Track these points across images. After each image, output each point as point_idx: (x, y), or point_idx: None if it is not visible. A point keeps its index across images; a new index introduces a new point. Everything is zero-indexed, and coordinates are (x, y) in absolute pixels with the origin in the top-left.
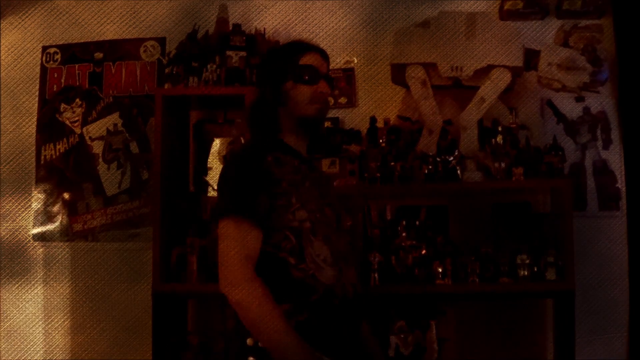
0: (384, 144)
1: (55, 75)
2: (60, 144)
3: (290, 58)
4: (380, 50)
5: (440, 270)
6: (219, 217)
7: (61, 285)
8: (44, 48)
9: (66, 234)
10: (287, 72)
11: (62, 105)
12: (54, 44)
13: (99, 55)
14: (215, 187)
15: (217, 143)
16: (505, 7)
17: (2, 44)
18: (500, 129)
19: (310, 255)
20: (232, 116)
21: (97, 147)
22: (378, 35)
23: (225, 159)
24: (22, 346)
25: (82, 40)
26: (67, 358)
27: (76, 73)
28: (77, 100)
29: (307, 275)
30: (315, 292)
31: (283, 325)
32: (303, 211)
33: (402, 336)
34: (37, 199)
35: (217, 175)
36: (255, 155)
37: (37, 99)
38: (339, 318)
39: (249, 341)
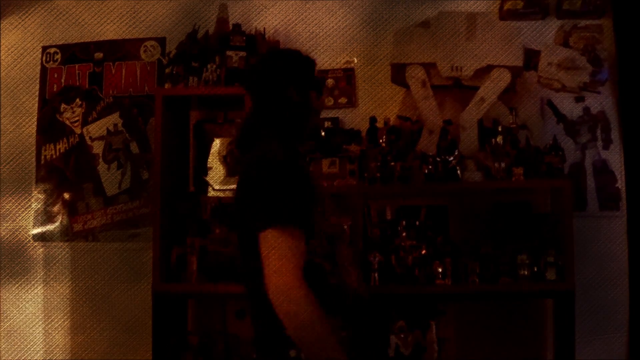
0: (384, 144)
1: (55, 75)
2: (61, 144)
3: (314, 70)
4: (380, 50)
5: (440, 270)
6: (266, 227)
7: (61, 285)
8: (44, 48)
9: (66, 234)
10: (315, 84)
11: (62, 105)
12: (54, 44)
13: (99, 55)
14: (246, 193)
15: (217, 143)
16: (505, 7)
17: (2, 44)
18: (500, 129)
19: (340, 260)
20: (232, 116)
21: (97, 147)
22: (378, 35)
23: (261, 164)
24: (22, 346)
25: (82, 40)
26: (67, 358)
27: (76, 73)
28: (77, 100)
29: (340, 280)
30: (347, 298)
31: (332, 339)
32: (334, 217)
33: (402, 336)
34: (37, 199)
35: (218, 175)
36: (297, 162)
37: (37, 99)
38: (370, 323)
39: (292, 353)
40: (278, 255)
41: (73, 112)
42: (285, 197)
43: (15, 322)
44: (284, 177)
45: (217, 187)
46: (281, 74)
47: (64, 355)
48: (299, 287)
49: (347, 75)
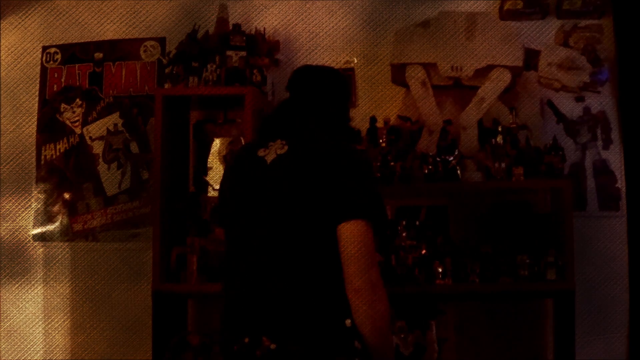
0: (384, 144)
1: (56, 75)
2: (61, 144)
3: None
4: (380, 50)
5: (440, 270)
6: (360, 216)
7: (61, 285)
8: (44, 48)
9: (66, 234)
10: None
11: (62, 105)
12: (54, 44)
13: (99, 55)
14: (331, 182)
15: (217, 143)
16: (505, 7)
17: (2, 44)
18: (500, 129)
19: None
20: (232, 116)
21: (97, 147)
22: (378, 35)
23: (356, 155)
24: (22, 346)
25: (82, 40)
26: (67, 358)
27: (76, 73)
28: (77, 100)
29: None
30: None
31: (391, 334)
32: None
33: (402, 336)
34: (37, 199)
35: (218, 175)
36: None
37: (37, 99)
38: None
39: (347, 322)
40: (364, 247)
41: (73, 112)
42: (371, 192)
43: (15, 322)
44: (372, 174)
45: (217, 187)
46: (342, 89)
47: (64, 355)
48: (382, 280)
49: (347, 75)
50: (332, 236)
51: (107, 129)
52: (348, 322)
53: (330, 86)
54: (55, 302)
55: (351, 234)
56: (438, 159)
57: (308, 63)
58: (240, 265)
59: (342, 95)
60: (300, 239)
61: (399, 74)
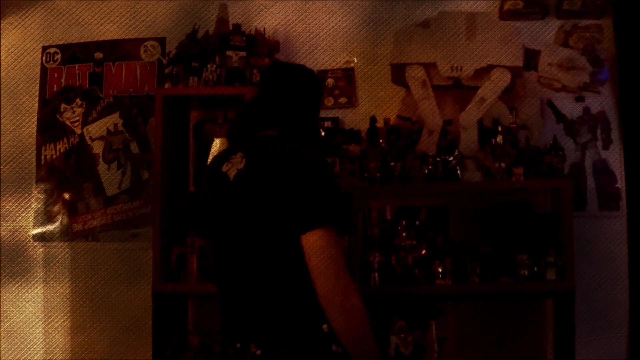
0: (384, 144)
1: (55, 75)
2: (61, 144)
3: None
4: (380, 50)
5: (440, 270)
6: (320, 225)
7: (61, 285)
8: (44, 48)
9: (66, 234)
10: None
11: (62, 105)
12: (54, 44)
13: (99, 55)
14: (289, 191)
15: (217, 143)
16: (505, 7)
17: (2, 44)
18: (500, 129)
19: None
20: (232, 116)
21: (97, 147)
22: (378, 35)
23: (309, 161)
24: (22, 346)
25: (82, 40)
26: (67, 358)
27: (76, 73)
28: (77, 100)
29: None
30: None
31: (372, 334)
32: None
33: (402, 336)
34: (37, 199)
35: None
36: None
37: (37, 99)
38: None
39: (324, 327)
40: (329, 255)
41: (73, 112)
42: (337, 197)
43: (15, 322)
44: (330, 178)
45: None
46: (309, 90)
47: (64, 355)
48: (353, 285)
49: (347, 75)
50: (300, 245)
51: (107, 129)
52: (325, 327)
53: (298, 85)
54: (55, 302)
55: (313, 245)
56: (438, 159)
57: (308, 63)
58: (222, 274)
59: (309, 95)
60: (270, 251)
61: (399, 74)
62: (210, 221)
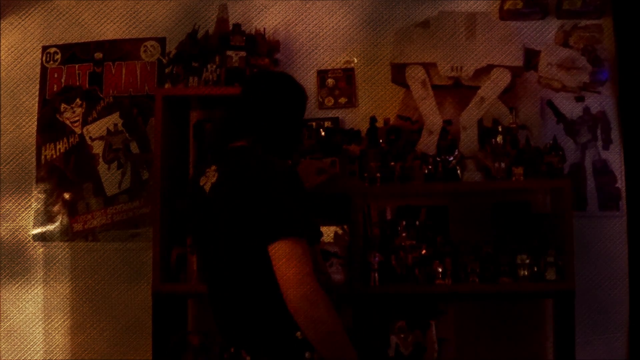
0: (384, 144)
1: (55, 75)
2: (61, 144)
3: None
4: (380, 50)
5: (440, 270)
6: (283, 235)
7: (61, 285)
8: (44, 48)
9: (66, 234)
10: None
11: (62, 105)
12: (54, 44)
13: (99, 55)
14: (254, 203)
15: None
16: (505, 7)
17: (2, 44)
18: (500, 129)
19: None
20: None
21: (98, 147)
22: (378, 35)
23: (273, 172)
24: (22, 346)
25: (82, 40)
26: (67, 358)
27: (76, 73)
28: (77, 100)
29: (327, 279)
30: (334, 294)
31: (347, 339)
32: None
33: (402, 336)
34: (37, 199)
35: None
36: (297, 173)
37: (37, 99)
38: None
39: (307, 355)
40: (295, 265)
41: (73, 112)
42: (294, 208)
43: (15, 322)
44: (292, 188)
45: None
46: (292, 100)
47: (64, 355)
48: (321, 293)
49: (347, 75)
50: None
51: (107, 129)
52: (298, 334)
53: (272, 94)
54: (55, 302)
55: (278, 255)
56: (438, 159)
57: (308, 63)
58: (207, 282)
59: (286, 103)
60: (245, 262)
61: (399, 74)
62: (192, 233)
